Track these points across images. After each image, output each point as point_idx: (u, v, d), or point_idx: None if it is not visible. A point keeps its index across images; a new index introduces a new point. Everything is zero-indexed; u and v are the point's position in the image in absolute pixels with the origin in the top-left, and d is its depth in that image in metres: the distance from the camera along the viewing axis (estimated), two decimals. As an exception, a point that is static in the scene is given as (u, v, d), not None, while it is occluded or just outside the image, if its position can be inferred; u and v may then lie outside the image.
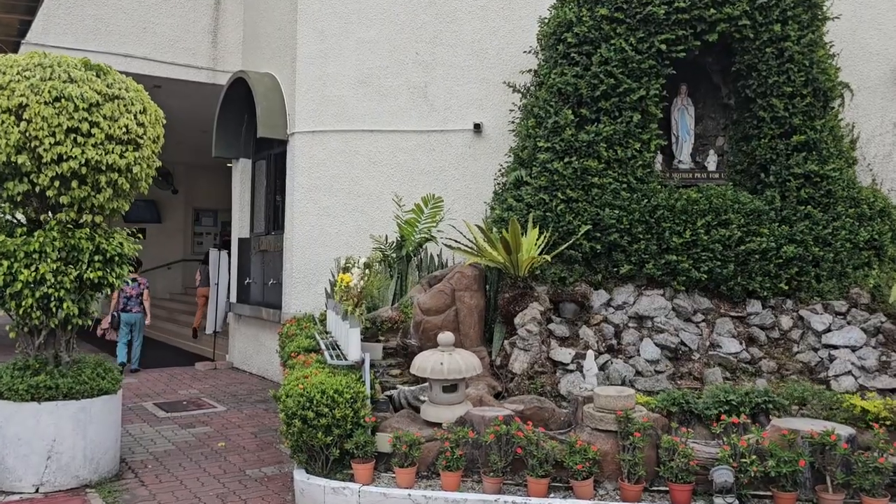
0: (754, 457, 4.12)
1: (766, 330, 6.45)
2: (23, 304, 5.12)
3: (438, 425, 4.83)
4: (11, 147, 4.93)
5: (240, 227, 10.97)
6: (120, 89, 5.29)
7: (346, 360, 5.27)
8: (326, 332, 6.60)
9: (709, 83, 7.33)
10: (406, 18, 8.70)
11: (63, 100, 4.98)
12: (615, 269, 6.64)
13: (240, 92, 9.88)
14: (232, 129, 10.42)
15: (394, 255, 7.77)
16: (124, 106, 5.29)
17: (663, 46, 6.67)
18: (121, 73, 5.61)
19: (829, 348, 6.25)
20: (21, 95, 4.92)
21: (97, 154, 5.09)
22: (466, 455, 4.55)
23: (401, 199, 8.20)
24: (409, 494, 4.41)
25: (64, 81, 5.03)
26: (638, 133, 6.67)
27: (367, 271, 5.81)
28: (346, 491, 4.52)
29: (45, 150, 4.96)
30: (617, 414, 4.43)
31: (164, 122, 5.79)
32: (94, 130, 5.08)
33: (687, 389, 5.55)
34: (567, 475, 4.38)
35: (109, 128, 5.14)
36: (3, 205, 5.29)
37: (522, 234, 6.24)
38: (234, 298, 10.87)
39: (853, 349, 6.20)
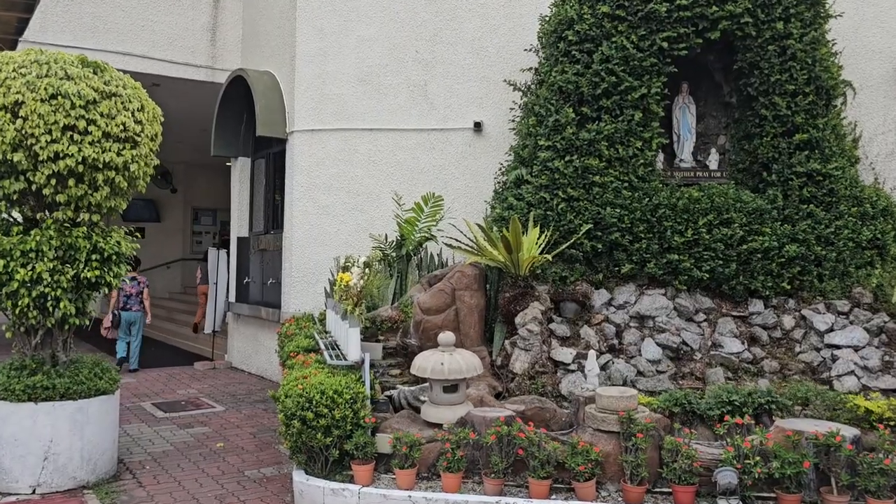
0: (758, 458, 4.08)
1: (768, 330, 6.42)
2: (19, 303, 5.08)
3: (439, 426, 4.78)
4: (7, 145, 4.89)
5: (239, 226, 10.93)
6: (117, 86, 5.24)
7: (345, 360, 5.22)
8: (326, 332, 6.55)
9: (710, 81, 7.29)
10: (406, 16, 8.65)
11: (60, 97, 4.93)
12: (616, 269, 6.60)
13: (239, 90, 9.83)
14: (231, 127, 10.38)
15: (394, 254, 7.73)
16: (122, 103, 5.24)
17: (665, 44, 6.63)
18: (119, 71, 5.56)
19: (831, 348, 6.21)
20: (17, 92, 4.87)
21: (94, 152, 5.04)
22: (467, 456, 4.50)
23: (401, 197, 8.15)
24: (410, 496, 4.37)
25: (60, 78, 4.98)
26: (639, 131, 6.63)
27: (366, 270, 5.77)
28: (345, 492, 4.48)
29: (41, 147, 4.91)
30: (619, 415, 4.38)
31: (163, 119, 5.74)
32: (91, 128, 5.02)
33: (689, 389, 5.51)
34: (569, 476, 4.33)
35: (107, 125, 5.09)
36: (-1, 203, 5.25)
37: (523, 232, 6.20)
38: (232, 298, 10.83)
39: (856, 349, 6.16)
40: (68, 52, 5.34)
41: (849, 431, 4.26)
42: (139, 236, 5.90)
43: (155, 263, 17.30)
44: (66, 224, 5.26)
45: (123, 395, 8.24)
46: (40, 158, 4.94)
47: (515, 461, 4.44)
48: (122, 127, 5.19)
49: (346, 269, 6.05)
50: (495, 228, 6.67)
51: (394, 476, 4.57)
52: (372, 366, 5.27)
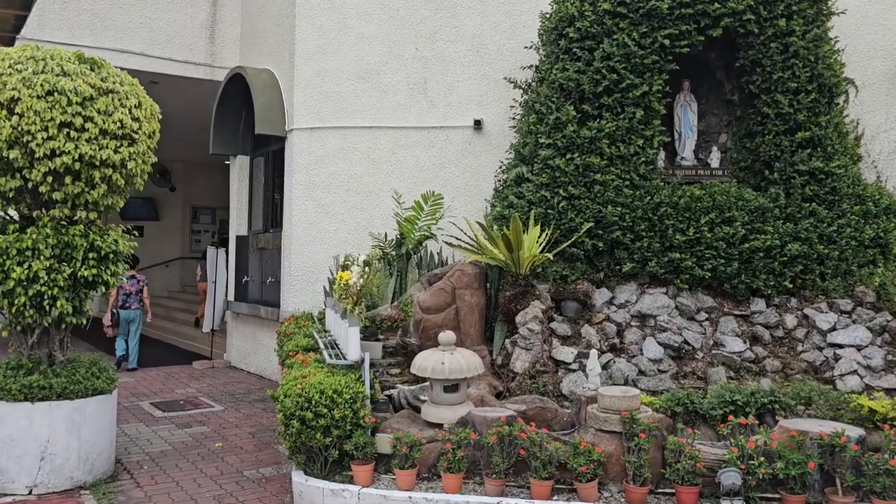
0: (762, 458, 4.03)
1: (770, 329, 6.38)
2: (15, 302, 5.03)
3: (439, 426, 4.74)
4: (3, 142, 4.84)
5: (238, 225, 10.89)
6: (114, 83, 5.19)
7: (345, 359, 5.18)
8: (325, 331, 6.51)
9: (712, 79, 7.25)
10: (405, 13, 8.61)
11: (56, 93, 4.88)
12: (617, 267, 6.56)
13: (237, 88, 9.78)
14: (230, 125, 10.33)
15: (393, 252, 7.69)
16: (119, 100, 5.18)
17: (666, 41, 6.59)
18: (116, 68, 5.50)
19: (834, 347, 6.18)
20: (13, 89, 4.82)
21: (91, 149, 4.99)
22: (468, 456, 4.46)
23: (400, 196, 8.11)
24: (410, 497, 4.32)
25: (57, 75, 4.93)
26: (641, 129, 6.59)
27: (366, 269, 5.72)
28: (345, 493, 4.44)
29: (37, 144, 4.86)
30: (622, 414, 4.34)
31: (160, 117, 5.69)
32: (88, 125, 4.97)
33: (691, 389, 5.47)
34: (571, 477, 4.29)
35: (104, 122, 5.04)
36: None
37: (524, 231, 6.15)
38: (231, 297, 10.79)
39: (858, 348, 6.13)
40: (66, 49, 5.29)
41: (854, 431, 4.22)
42: (137, 234, 5.85)
43: (154, 262, 17.25)
44: (62, 222, 5.21)
45: (121, 395, 8.19)
46: (36, 156, 4.89)
47: (517, 461, 4.39)
48: (119, 124, 5.14)
49: (345, 267, 6.01)
50: (496, 227, 6.62)
51: (394, 476, 4.53)
52: (372, 365, 5.22)
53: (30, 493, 5.04)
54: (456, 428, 4.60)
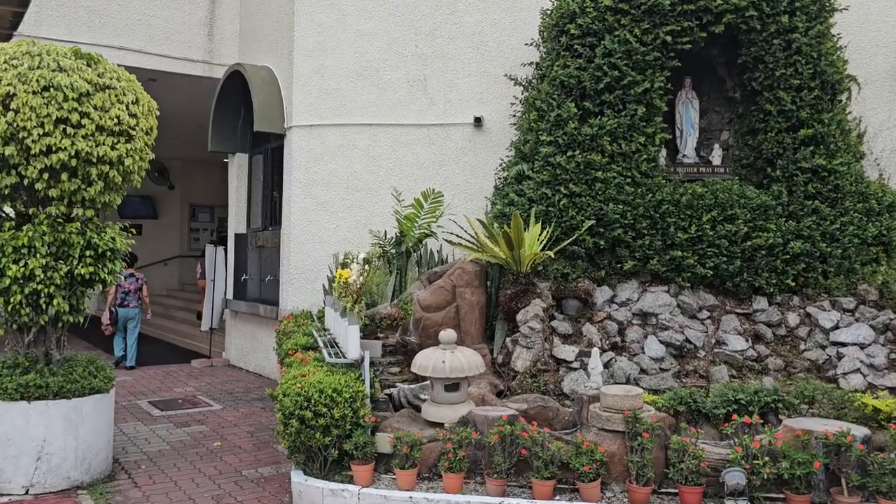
0: (767, 458, 3.99)
1: (772, 327, 6.34)
2: (11, 300, 4.97)
3: (440, 425, 4.69)
4: (-2, 138, 4.78)
5: (236, 223, 10.84)
6: (111, 79, 5.13)
7: (344, 358, 5.13)
8: (324, 330, 6.46)
9: (713, 76, 7.20)
10: (405, 10, 8.55)
11: (52, 89, 4.81)
12: (619, 265, 6.52)
13: (236, 85, 9.73)
14: (228, 123, 10.27)
15: (393, 250, 7.64)
16: (116, 96, 5.12)
17: (668, 38, 6.55)
18: (114, 64, 5.45)
19: (836, 346, 6.14)
20: (8, 84, 4.76)
21: (88, 145, 4.93)
22: (469, 456, 4.42)
23: (400, 193, 8.06)
24: (411, 497, 4.28)
25: (53, 70, 4.87)
26: (642, 126, 6.54)
27: (366, 267, 5.68)
28: (345, 493, 4.39)
29: (33, 141, 4.80)
30: (624, 414, 4.30)
31: (158, 113, 5.63)
32: (85, 121, 4.91)
33: (693, 388, 5.43)
34: (573, 477, 4.25)
35: (100, 118, 4.98)
36: (-9, 198, 5.14)
37: (524, 229, 6.10)
38: (230, 295, 10.74)
39: (861, 347, 6.09)
40: (63, 45, 5.23)
41: (859, 431, 4.17)
42: (134, 232, 5.79)
43: (152, 260, 17.19)
44: (59, 219, 5.15)
45: (119, 393, 8.15)
46: (32, 152, 4.83)
47: (518, 461, 4.35)
48: (116, 120, 5.08)
49: (345, 265, 5.96)
50: (496, 225, 6.58)
51: (394, 476, 4.48)
52: (371, 364, 5.18)
53: (26, 493, 4.99)
54: (457, 427, 4.56)
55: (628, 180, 6.48)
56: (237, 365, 10.41)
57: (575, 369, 5.91)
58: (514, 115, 7.80)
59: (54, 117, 4.82)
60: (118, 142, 5.15)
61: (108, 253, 5.31)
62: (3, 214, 5.29)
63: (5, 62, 4.84)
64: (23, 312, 5.07)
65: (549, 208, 6.50)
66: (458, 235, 7.06)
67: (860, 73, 7.38)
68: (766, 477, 3.96)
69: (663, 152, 7.01)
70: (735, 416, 4.56)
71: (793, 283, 6.38)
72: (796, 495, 3.96)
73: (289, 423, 4.51)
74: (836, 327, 6.22)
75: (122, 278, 9.74)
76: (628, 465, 4.22)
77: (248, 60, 10.04)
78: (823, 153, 6.49)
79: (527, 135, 6.93)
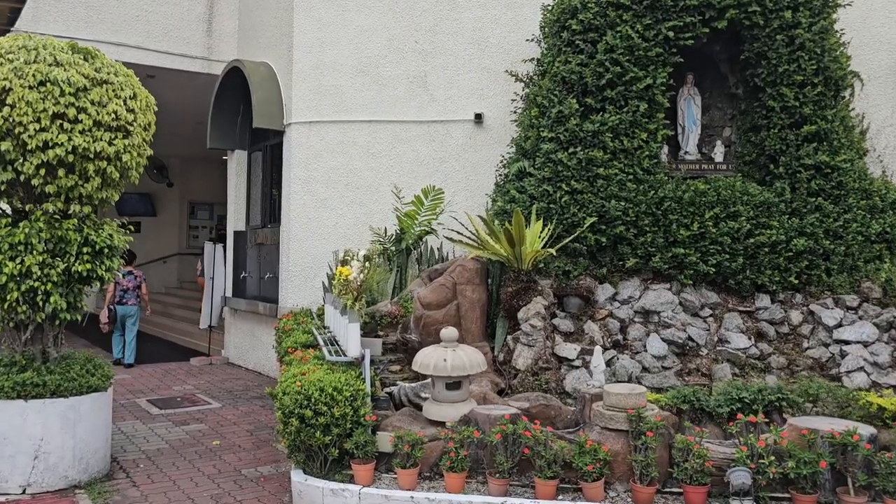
0: (773, 457, 3.95)
1: (775, 325, 6.30)
2: (8, 297, 4.91)
3: (442, 424, 4.65)
4: (-6, 134, 4.72)
5: (235, 220, 10.78)
6: (109, 73, 5.06)
7: (345, 356, 5.08)
8: (324, 327, 6.41)
9: (716, 72, 7.16)
10: (405, 6, 8.49)
11: (48, 84, 4.75)
12: (621, 263, 6.48)
13: (235, 82, 9.66)
14: (227, 119, 10.20)
15: (393, 248, 7.59)
16: (113, 91, 5.06)
17: (671, 34, 6.50)
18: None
19: (840, 344, 6.10)
20: (4, 79, 4.69)
21: (85, 141, 4.87)
22: (471, 455, 4.37)
23: (400, 190, 8.01)
24: (412, 497, 4.23)
25: (49, 65, 4.80)
26: (644, 123, 6.50)
27: (366, 264, 5.62)
28: (345, 493, 4.34)
29: (29, 136, 4.73)
30: (628, 412, 4.25)
31: (156, 109, 5.57)
32: (82, 116, 4.85)
33: (696, 386, 5.39)
34: (576, 476, 4.20)
35: (97, 114, 4.92)
36: (-13, 194, 5.08)
37: (526, 226, 6.05)
38: (229, 293, 10.68)
39: (865, 344, 6.06)
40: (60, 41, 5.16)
41: (865, 430, 4.13)
42: (132, 229, 5.73)
43: (151, 258, 17.12)
44: (56, 216, 5.09)
45: (118, 392, 8.09)
46: (29, 147, 4.77)
47: (521, 460, 4.30)
48: (113, 115, 5.02)
49: (345, 262, 5.91)
50: (497, 222, 6.53)
51: (395, 476, 4.44)
52: (372, 362, 5.12)
53: (23, 492, 4.94)
54: (459, 426, 4.51)
55: (630, 177, 6.44)
56: (236, 363, 10.36)
57: (577, 367, 5.87)
58: (515, 112, 7.74)
59: (51, 112, 4.76)
60: (116, 137, 5.09)
61: (106, 250, 5.25)
62: (0, 211, 5.24)
63: (1, 56, 4.77)
64: (19, 310, 5.02)
65: (551, 205, 6.45)
66: (458, 232, 7.01)
67: (863, 69, 7.34)
68: (771, 476, 3.91)
69: (665, 149, 6.96)
70: (740, 416, 4.51)
71: (796, 281, 6.34)
72: (802, 495, 3.92)
73: (289, 422, 4.46)
74: (840, 325, 6.18)
75: (121, 276, 9.69)
76: (632, 465, 4.17)
77: (247, 56, 9.97)
78: (827, 150, 6.45)
79: (528, 131, 6.88)
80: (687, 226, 6.30)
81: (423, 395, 5.17)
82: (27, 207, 5.11)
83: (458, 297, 6.19)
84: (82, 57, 5.06)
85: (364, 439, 4.43)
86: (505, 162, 7.40)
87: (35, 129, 4.74)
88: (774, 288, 6.36)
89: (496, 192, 7.13)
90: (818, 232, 6.34)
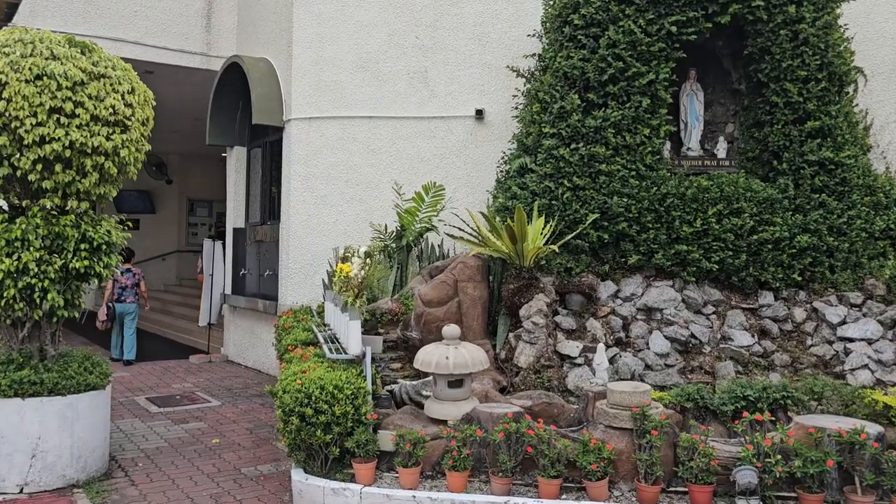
0: (779, 456, 3.90)
1: (778, 322, 6.26)
2: (5, 294, 4.85)
3: (443, 422, 4.60)
4: (-10, 128, 4.66)
5: (235, 217, 10.72)
6: (106, 68, 5.00)
7: (346, 353, 5.03)
8: (325, 325, 6.36)
9: (718, 68, 7.10)
10: (405, 1, 8.43)
11: (45, 78, 4.69)
12: (623, 260, 6.43)
13: (234, 78, 9.60)
14: (226, 115, 10.14)
15: (393, 245, 7.54)
16: (111, 85, 5.00)
17: (673, 28, 6.44)
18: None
19: (844, 341, 6.06)
20: (0, 73, 4.64)
21: (82, 136, 4.81)
22: (473, 454, 4.32)
23: (401, 187, 7.95)
24: (414, 496, 4.18)
25: (46, 58, 4.74)
26: (647, 118, 6.45)
27: (367, 261, 5.57)
28: (346, 492, 4.29)
29: (26, 131, 4.68)
30: (632, 411, 4.20)
31: (154, 103, 5.51)
32: (79, 111, 4.79)
33: (700, 384, 5.34)
34: (580, 475, 4.16)
35: (95, 108, 4.85)
36: (-17, 190, 5.02)
37: (527, 222, 6.00)
38: (228, 290, 10.63)
39: (869, 342, 6.01)
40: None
41: (873, 428, 4.08)
42: (130, 225, 5.67)
43: (150, 255, 17.06)
44: (53, 212, 5.03)
45: (117, 390, 8.04)
46: (25, 142, 4.71)
47: (524, 459, 4.25)
48: (111, 110, 4.96)
49: (345, 259, 5.85)
50: (498, 218, 6.48)
51: (396, 475, 4.39)
52: (372, 360, 5.07)
53: (21, 491, 4.89)
54: (461, 425, 4.46)
55: (633, 173, 6.38)
56: (236, 361, 10.31)
57: (579, 365, 5.82)
58: (517, 108, 7.68)
59: (48, 106, 4.70)
60: (113, 132, 5.03)
61: (104, 246, 5.19)
62: (-4, 207, 5.19)
63: (-3, 50, 4.72)
64: (16, 307, 4.96)
65: (553, 202, 6.40)
66: (459, 229, 6.96)
67: (866, 64, 7.27)
68: (778, 476, 3.87)
69: (668, 145, 6.91)
70: (746, 414, 4.46)
71: (799, 278, 6.30)
72: (809, 494, 3.87)
73: (289, 421, 4.41)
74: (844, 322, 6.14)
75: (119, 273, 9.63)
76: (636, 464, 4.12)
77: (247, 52, 9.91)
78: (830, 146, 6.40)
79: (529, 127, 6.83)
80: (690, 222, 6.26)
81: (424, 393, 5.12)
82: (24, 203, 5.05)
83: (460, 295, 6.14)
84: (79, 51, 5.00)
85: (365, 438, 4.38)
86: (506, 158, 7.35)
87: (31, 124, 4.68)
88: (778, 285, 6.32)
89: (497, 189, 7.08)
90: (822, 228, 6.29)
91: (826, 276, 6.34)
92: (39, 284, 4.91)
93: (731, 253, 6.23)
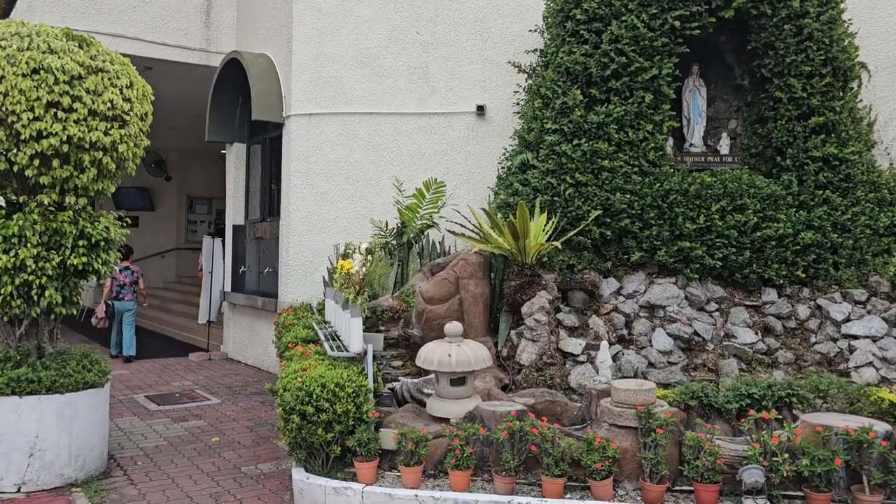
0: (786, 455, 3.85)
1: (782, 319, 6.22)
2: (2, 291, 4.79)
3: (446, 421, 4.54)
4: (-14, 123, 4.60)
5: (234, 214, 10.66)
6: (104, 62, 4.94)
7: (347, 351, 4.98)
8: (325, 322, 6.31)
9: (721, 63, 7.05)
10: (406, -4, 8.37)
11: (42, 72, 4.62)
12: (626, 256, 6.38)
13: (234, 73, 9.53)
14: (226, 112, 10.08)
15: (394, 241, 7.48)
16: (109, 79, 4.93)
17: (677, 23, 6.40)
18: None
19: (848, 338, 6.02)
20: (-4, 67, 4.59)
21: (80, 131, 4.75)
22: (476, 453, 4.27)
23: (401, 183, 7.90)
24: (416, 495, 4.13)
25: (43, 52, 4.68)
26: (650, 114, 6.40)
27: (369, 258, 5.52)
28: (348, 491, 4.25)
29: (23, 125, 4.61)
30: (637, 409, 4.15)
31: (153, 98, 5.45)
32: (77, 105, 4.73)
33: (704, 382, 5.29)
34: (584, 474, 4.11)
35: (93, 102, 4.79)
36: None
37: (529, 219, 5.95)
38: (228, 287, 10.58)
39: (874, 339, 5.97)
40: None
41: (880, 426, 4.03)
42: (129, 222, 5.61)
43: (149, 253, 17.00)
44: (50, 208, 4.97)
45: (116, 387, 7.99)
46: (22, 137, 4.65)
47: (527, 458, 4.20)
48: (109, 104, 4.90)
49: (346, 256, 5.80)
50: (500, 215, 6.43)
51: (398, 474, 4.34)
52: (374, 357, 5.02)
53: (18, 490, 4.84)
54: (463, 423, 4.41)
55: (635, 169, 6.34)
56: (235, 358, 10.26)
57: (581, 363, 5.78)
58: (518, 104, 7.63)
59: (45, 101, 4.64)
60: (112, 127, 4.97)
61: (102, 243, 5.14)
62: (-7, 203, 5.13)
63: (-7, 44, 4.65)
64: (14, 304, 4.90)
65: (555, 198, 6.35)
66: (461, 226, 6.91)
67: (870, 60, 7.23)
68: (785, 474, 3.82)
69: (670, 141, 6.86)
70: (752, 412, 4.41)
71: (803, 275, 6.25)
72: (816, 493, 3.82)
73: (289, 419, 4.36)
74: (848, 319, 6.10)
75: (118, 271, 9.58)
76: (641, 462, 4.07)
77: (246, 48, 9.85)
78: (835, 141, 6.35)
79: (531, 123, 6.78)
80: (693, 219, 6.21)
81: (426, 390, 5.07)
82: (21, 199, 5.00)
83: (461, 292, 6.09)
84: (77, 44, 4.93)
85: (367, 436, 4.33)
86: (508, 154, 7.30)
87: (28, 119, 4.62)
88: (781, 282, 6.28)
89: (499, 185, 7.03)
90: (826, 225, 6.25)
91: (830, 273, 6.30)
92: (37, 281, 4.86)
93: (734, 250, 6.18)
